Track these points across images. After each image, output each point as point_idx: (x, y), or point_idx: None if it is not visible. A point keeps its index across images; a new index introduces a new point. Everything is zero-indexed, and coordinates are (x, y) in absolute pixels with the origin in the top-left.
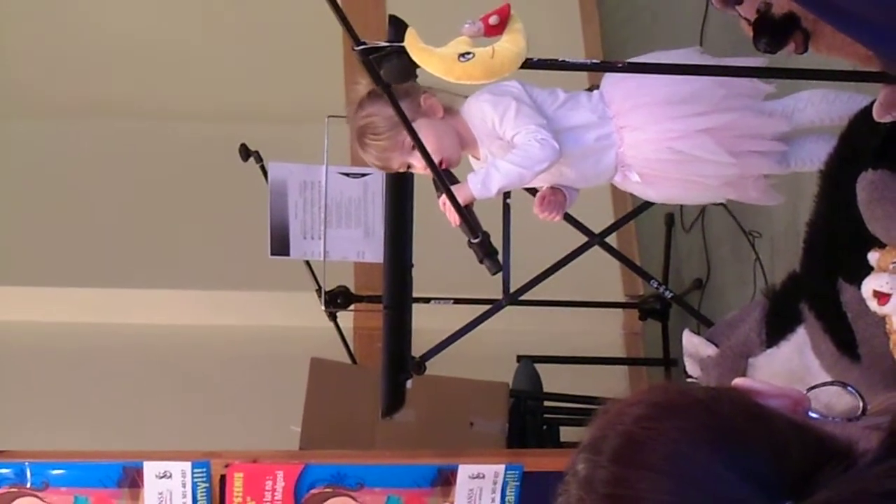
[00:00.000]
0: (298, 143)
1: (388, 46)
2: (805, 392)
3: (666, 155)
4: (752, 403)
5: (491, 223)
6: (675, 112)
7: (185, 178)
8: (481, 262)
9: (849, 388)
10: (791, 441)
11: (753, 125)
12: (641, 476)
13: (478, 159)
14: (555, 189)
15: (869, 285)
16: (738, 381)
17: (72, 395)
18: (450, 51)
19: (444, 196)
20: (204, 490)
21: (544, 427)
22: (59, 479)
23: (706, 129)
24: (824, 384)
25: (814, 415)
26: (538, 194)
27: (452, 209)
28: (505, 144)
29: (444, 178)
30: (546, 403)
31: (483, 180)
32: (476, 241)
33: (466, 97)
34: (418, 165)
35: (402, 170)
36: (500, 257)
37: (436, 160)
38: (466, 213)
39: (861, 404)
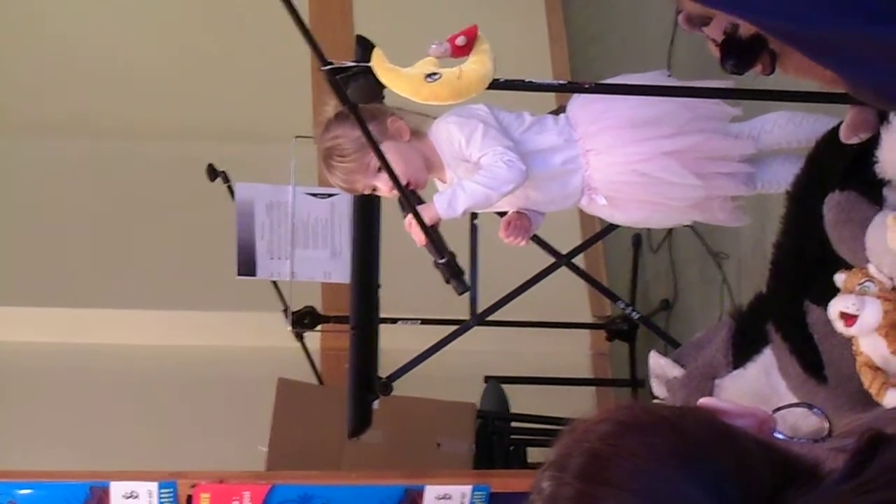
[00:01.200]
0: (266, 163)
1: (354, 66)
2: (771, 413)
3: (632, 178)
4: (717, 422)
5: (458, 244)
6: (640, 135)
7: (153, 198)
8: (448, 282)
9: (815, 409)
10: (757, 460)
11: (719, 147)
12: (607, 493)
13: (444, 182)
14: (520, 214)
15: (835, 307)
16: (703, 401)
17: (38, 415)
18: (417, 71)
19: (409, 216)
20: None
21: (511, 448)
22: (27, 498)
23: (672, 151)
24: (790, 405)
25: (779, 435)
26: (504, 219)
27: (418, 229)
28: (471, 167)
29: (410, 198)
30: (513, 424)
31: (449, 200)
32: (442, 261)
33: (434, 118)
34: (384, 188)
35: (367, 192)
36: (466, 278)
37: (402, 182)
38: (432, 233)
39: (827, 426)
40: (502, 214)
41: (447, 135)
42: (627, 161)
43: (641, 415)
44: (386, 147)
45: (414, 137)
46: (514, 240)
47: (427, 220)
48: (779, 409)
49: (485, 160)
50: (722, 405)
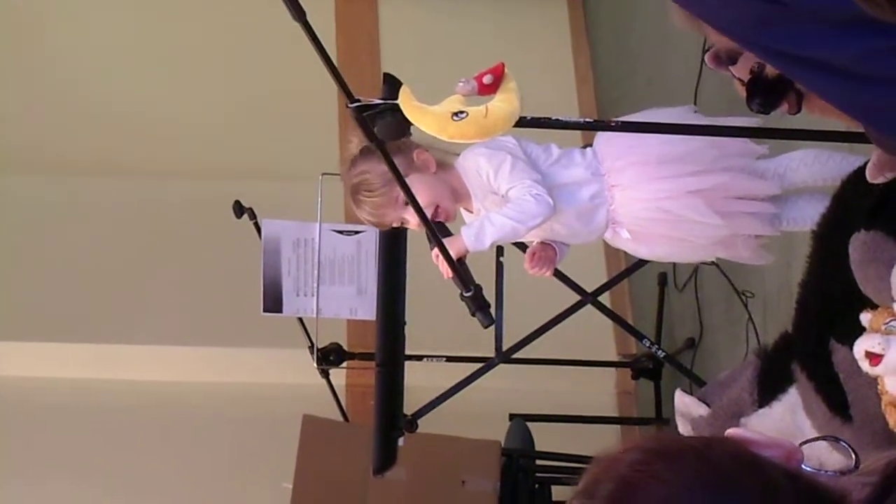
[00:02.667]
0: (292, 200)
1: (381, 104)
2: (798, 445)
3: (656, 214)
4: (745, 452)
5: (484, 282)
6: (666, 172)
7: (180, 235)
8: (473, 314)
9: (841, 442)
10: (784, 490)
11: (745, 187)
12: None
13: (471, 213)
14: (545, 244)
15: (861, 346)
16: (731, 431)
17: (60, 452)
18: (443, 109)
19: (436, 248)
20: None
21: (536, 486)
22: None
23: (697, 190)
24: (816, 439)
25: (807, 467)
26: (528, 250)
27: (444, 262)
28: (499, 199)
29: (436, 231)
30: (538, 462)
31: (476, 233)
32: (468, 294)
33: (459, 154)
34: (412, 221)
35: (396, 225)
36: (492, 312)
37: (429, 214)
38: (459, 266)
39: (854, 459)
40: (524, 248)
41: (475, 166)
42: (652, 198)
43: (670, 443)
44: (412, 179)
45: (440, 169)
46: (538, 271)
47: (454, 253)
48: (805, 442)
49: (513, 193)
50: (750, 435)
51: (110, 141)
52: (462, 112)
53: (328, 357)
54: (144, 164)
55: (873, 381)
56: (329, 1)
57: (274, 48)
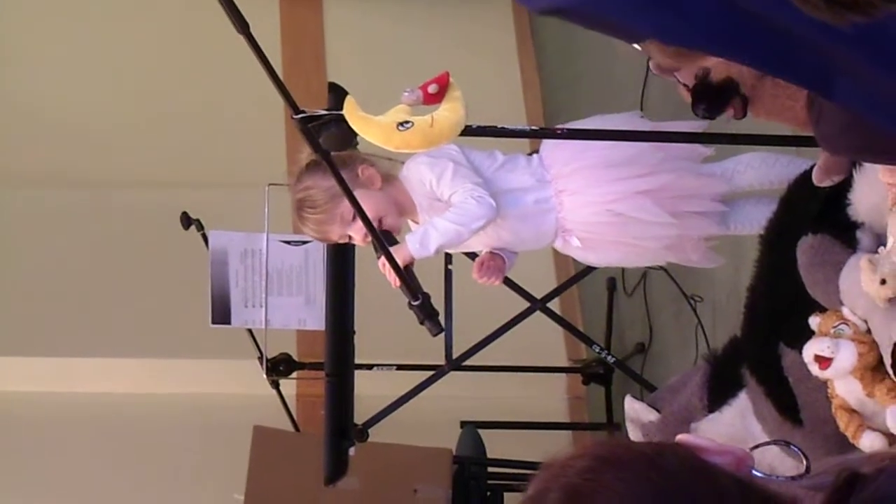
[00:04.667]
0: (240, 209)
1: (326, 115)
2: (748, 450)
3: (605, 217)
4: (696, 459)
5: (433, 289)
6: (613, 175)
7: (126, 246)
8: (422, 323)
9: (792, 446)
10: (734, 497)
11: (692, 186)
12: None
13: (418, 224)
14: (493, 254)
15: (810, 350)
16: (681, 437)
17: (9, 465)
18: (389, 119)
19: (383, 257)
20: None
21: (488, 493)
22: None
23: (645, 190)
24: (767, 443)
25: (757, 473)
26: (477, 259)
27: (392, 270)
28: (443, 207)
29: (383, 240)
30: (490, 469)
31: (421, 239)
32: (416, 302)
33: (404, 163)
34: (357, 237)
35: (341, 241)
36: (441, 320)
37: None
38: (406, 274)
39: (804, 464)
40: (473, 256)
41: (418, 175)
42: (601, 201)
43: (619, 450)
44: (357, 195)
45: (385, 183)
46: (487, 279)
47: (400, 261)
48: (756, 446)
49: (455, 198)
50: (700, 442)
51: (56, 152)
52: (407, 122)
53: (278, 367)
54: (90, 175)
55: (823, 385)
56: (274, 7)
57: (221, 57)
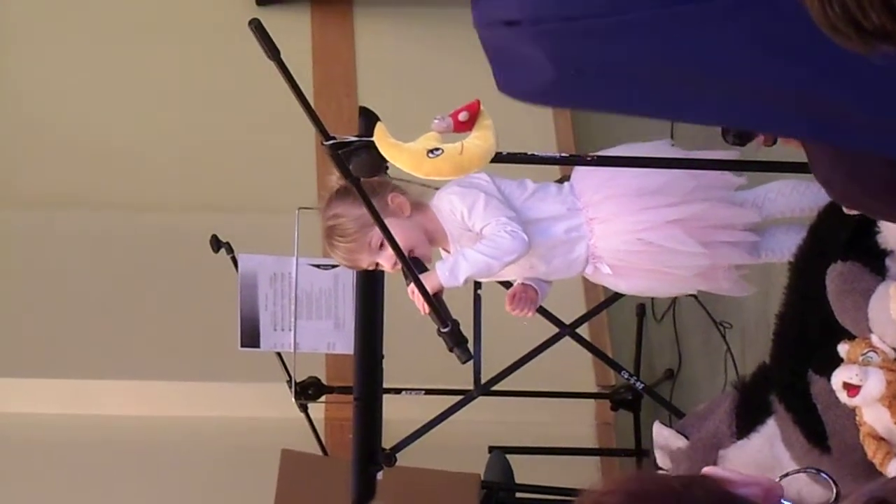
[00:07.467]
0: (270, 234)
1: (356, 141)
2: (777, 480)
3: (636, 246)
4: (723, 492)
5: (462, 314)
6: (645, 203)
7: (156, 269)
8: (451, 350)
9: (822, 474)
10: None
11: (724, 215)
12: None
13: (448, 252)
14: (526, 286)
15: (839, 377)
16: (708, 470)
17: (35, 490)
18: (419, 146)
19: (412, 284)
20: None
21: None
22: None
23: (676, 219)
24: (797, 471)
25: (787, 503)
26: (509, 291)
27: (421, 297)
28: (474, 237)
29: (412, 267)
30: (518, 495)
31: (451, 269)
32: (445, 329)
33: (436, 189)
34: (387, 265)
35: (370, 268)
36: (470, 346)
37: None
38: (435, 301)
39: (834, 492)
40: (506, 284)
41: (449, 206)
42: (632, 229)
43: (649, 485)
44: (387, 224)
45: (415, 211)
46: (520, 312)
47: (429, 289)
48: (786, 475)
49: (487, 230)
50: (728, 475)
51: (86, 174)
52: (437, 149)
53: (307, 391)
54: (120, 198)
55: (851, 413)
56: (305, 31)
57: (252, 81)
